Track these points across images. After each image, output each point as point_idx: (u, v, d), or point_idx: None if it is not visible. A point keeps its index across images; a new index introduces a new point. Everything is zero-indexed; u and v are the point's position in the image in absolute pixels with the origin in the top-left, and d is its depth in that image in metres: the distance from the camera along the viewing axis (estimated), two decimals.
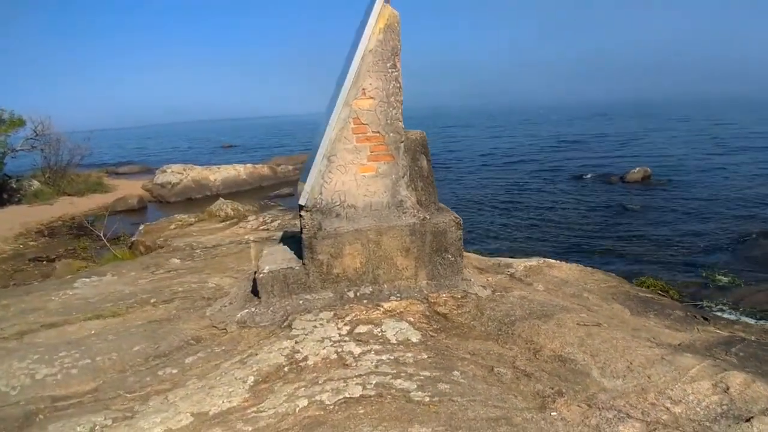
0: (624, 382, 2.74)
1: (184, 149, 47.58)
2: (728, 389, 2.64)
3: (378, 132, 3.42)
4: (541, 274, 4.24)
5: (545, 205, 11.96)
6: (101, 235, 8.55)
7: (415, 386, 2.58)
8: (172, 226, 7.98)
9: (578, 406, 2.55)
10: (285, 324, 3.22)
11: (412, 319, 3.28)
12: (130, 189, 18.00)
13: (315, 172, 3.35)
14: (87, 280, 4.79)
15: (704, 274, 6.59)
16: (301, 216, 3.43)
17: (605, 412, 2.48)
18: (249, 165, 20.30)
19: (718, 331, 3.69)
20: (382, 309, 3.38)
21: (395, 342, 3.05)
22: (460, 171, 19.29)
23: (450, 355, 2.93)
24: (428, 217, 3.58)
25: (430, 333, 3.17)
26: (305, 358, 2.82)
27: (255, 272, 4.15)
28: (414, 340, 3.07)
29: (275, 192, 16.68)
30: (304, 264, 3.48)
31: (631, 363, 2.91)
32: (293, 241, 4.23)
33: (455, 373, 2.74)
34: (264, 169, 20.28)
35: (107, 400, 2.65)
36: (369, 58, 3.29)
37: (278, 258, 3.68)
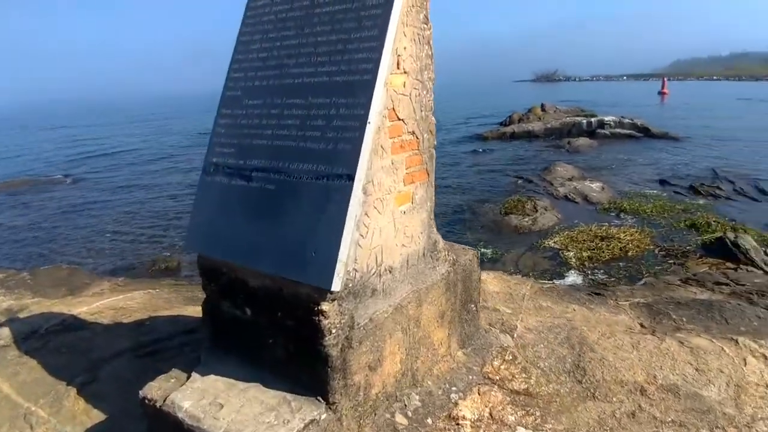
0: (718, 389, 2.58)
1: None
2: None
3: (413, 133, 1.98)
4: (486, 292, 3.64)
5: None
6: None
7: None
8: None
9: None
10: None
11: (513, 419, 2.13)
12: None
13: (350, 223, 1.64)
14: None
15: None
16: (321, 313, 1.65)
17: (754, 428, 2.26)
18: None
19: (622, 304, 4.06)
20: (467, 422, 2.05)
21: None
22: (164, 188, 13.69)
23: None
24: (456, 257, 2.41)
25: (545, 426, 2.14)
26: None
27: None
28: None
29: None
30: (331, 405, 1.72)
31: (692, 364, 2.78)
32: (234, 356, 2.13)
33: None
34: None
35: None
36: (403, 4, 1.83)
37: (257, 406, 1.71)
